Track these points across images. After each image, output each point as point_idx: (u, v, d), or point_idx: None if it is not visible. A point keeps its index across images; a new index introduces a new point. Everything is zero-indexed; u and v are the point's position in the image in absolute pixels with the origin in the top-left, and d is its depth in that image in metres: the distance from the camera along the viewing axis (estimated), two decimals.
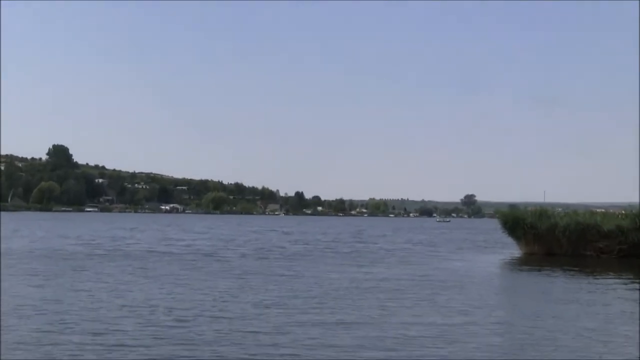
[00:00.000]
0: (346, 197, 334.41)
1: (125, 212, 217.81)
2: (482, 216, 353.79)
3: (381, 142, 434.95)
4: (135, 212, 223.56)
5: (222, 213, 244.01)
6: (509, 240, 41.59)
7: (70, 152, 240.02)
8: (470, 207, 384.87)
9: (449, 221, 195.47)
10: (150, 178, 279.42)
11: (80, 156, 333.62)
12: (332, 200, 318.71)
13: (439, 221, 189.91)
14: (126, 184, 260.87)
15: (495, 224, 45.90)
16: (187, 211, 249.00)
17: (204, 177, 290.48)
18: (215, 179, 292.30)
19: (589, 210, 41.01)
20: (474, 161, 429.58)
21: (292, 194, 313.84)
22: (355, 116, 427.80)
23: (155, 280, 21.65)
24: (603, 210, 42.73)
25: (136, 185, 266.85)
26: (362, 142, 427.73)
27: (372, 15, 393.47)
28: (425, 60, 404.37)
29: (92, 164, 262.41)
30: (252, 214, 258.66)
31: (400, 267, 28.57)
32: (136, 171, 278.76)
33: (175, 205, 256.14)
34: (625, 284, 23.02)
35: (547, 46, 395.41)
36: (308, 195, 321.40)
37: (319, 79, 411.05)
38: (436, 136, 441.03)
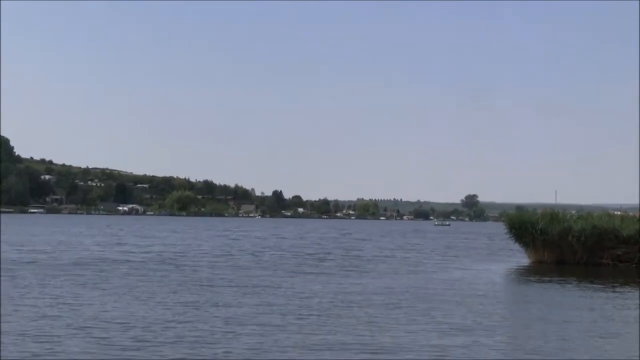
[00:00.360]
0: (331, 198, 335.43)
1: (76, 213, 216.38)
2: (486, 219, 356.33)
3: (371, 137, 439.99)
4: (88, 213, 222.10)
5: (189, 215, 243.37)
6: (516, 246, 41.80)
7: (12, 144, 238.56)
8: (471, 209, 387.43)
9: (448, 225, 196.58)
10: (106, 174, 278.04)
11: (23, 149, 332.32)
12: (315, 201, 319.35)
13: (436, 225, 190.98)
14: (77, 181, 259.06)
15: (500, 228, 46.06)
16: (148, 213, 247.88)
17: (168, 174, 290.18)
18: (182, 176, 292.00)
19: (606, 213, 41.25)
20: (475, 158, 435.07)
21: (269, 193, 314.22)
22: (341, 109, 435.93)
23: (109, 292, 21.48)
24: (621, 212, 43.06)
25: (89, 182, 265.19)
26: (349, 136, 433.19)
27: (365, 14, 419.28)
28: (422, 59, 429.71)
29: (37, 158, 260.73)
30: (224, 215, 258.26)
31: (391, 277, 28.59)
32: (89, 166, 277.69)
33: (135, 205, 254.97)
34: None
35: (548, 51, 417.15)
36: (287, 195, 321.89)
37: (301, 70, 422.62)
38: (433, 131, 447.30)
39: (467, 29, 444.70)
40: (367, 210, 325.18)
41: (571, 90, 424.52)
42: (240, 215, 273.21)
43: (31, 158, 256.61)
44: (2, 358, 11.84)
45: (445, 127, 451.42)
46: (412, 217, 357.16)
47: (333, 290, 23.25)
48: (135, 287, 23.21)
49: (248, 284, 24.74)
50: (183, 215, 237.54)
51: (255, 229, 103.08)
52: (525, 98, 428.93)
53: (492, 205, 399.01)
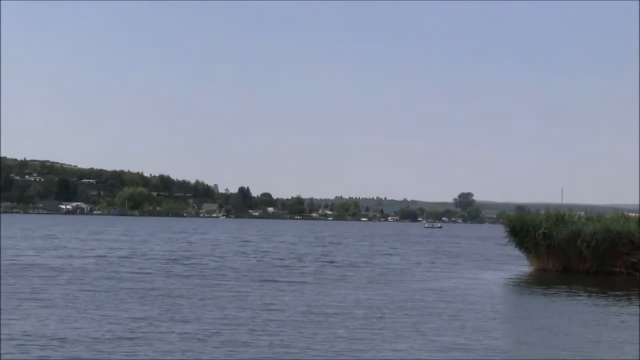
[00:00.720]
0: (305, 196, 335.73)
1: (11, 212, 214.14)
2: (482, 221, 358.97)
3: (352, 129, 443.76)
4: (26, 212, 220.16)
5: (142, 215, 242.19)
6: (517, 252, 42.00)
7: None
8: (466, 210, 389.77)
9: (439, 227, 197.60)
10: (46, 168, 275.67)
11: None
12: (287, 200, 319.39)
13: (427, 227, 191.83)
14: (13, 175, 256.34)
15: (498, 231, 46.25)
16: (95, 212, 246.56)
17: (118, 168, 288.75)
18: (134, 170, 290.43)
19: (620, 214, 41.39)
20: (470, 153, 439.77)
21: (234, 190, 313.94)
22: (319, 100, 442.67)
23: (47, 304, 21.22)
24: (636, 214, 43.28)
25: (27, 177, 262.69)
26: (326, 127, 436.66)
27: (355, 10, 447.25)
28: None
29: None
30: (182, 215, 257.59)
31: (373, 287, 28.59)
32: (27, 159, 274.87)
33: (80, 204, 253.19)
34: None
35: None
36: (256, 192, 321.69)
37: (276, 60, 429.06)
38: (423, 124, 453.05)
39: (462, 27, 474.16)
40: (347, 210, 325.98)
41: (575, 87, 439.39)
42: (202, 215, 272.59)
43: None
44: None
45: (437, 121, 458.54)
46: (398, 218, 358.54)
47: (307, 302, 23.16)
48: (77, 297, 22.97)
49: (208, 295, 24.60)
50: (135, 215, 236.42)
51: (218, 231, 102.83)
52: (526, 96, 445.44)
53: (490, 205, 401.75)
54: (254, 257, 46.08)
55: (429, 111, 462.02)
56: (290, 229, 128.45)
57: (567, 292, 28.73)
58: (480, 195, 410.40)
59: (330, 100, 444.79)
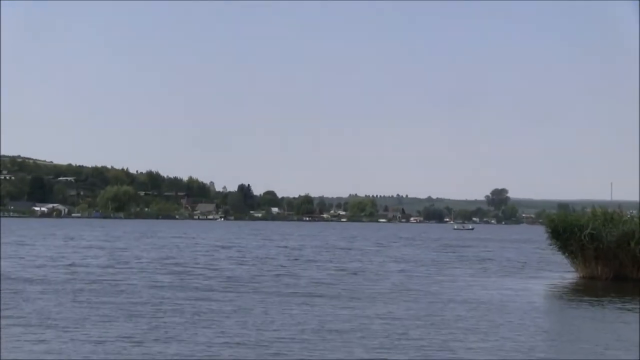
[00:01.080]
0: (315, 194, 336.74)
1: None
2: (519, 221, 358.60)
3: (366, 118, 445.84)
4: None
5: (128, 217, 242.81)
6: (560, 257, 41.82)
7: None
8: (500, 208, 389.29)
9: (471, 229, 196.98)
10: (18, 165, 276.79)
11: None
12: (294, 198, 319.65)
13: (456, 229, 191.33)
14: None
15: (538, 233, 46.08)
16: (74, 214, 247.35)
17: (100, 164, 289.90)
18: (118, 166, 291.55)
19: None
20: (503, 143, 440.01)
21: (233, 188, 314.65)
22: (326, 86, 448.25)
23: (17, 322, 21.19)
24: None
25: None
26: (338, 117, 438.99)
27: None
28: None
29: None
30: (174, 217, 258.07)
31: (395, 300, 28.51)
32: None
33: (57, 205, 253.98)
34: None
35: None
36: (258, 191, 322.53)
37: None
38: (448, 111, 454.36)
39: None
40: (363, 210, 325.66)
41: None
42: (197, 216, 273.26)
43: None
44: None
45: (464, 109, 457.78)
46: (421, 218, 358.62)
47: (317, 317, 23.12)
48: (52, 313, 22.98)
49: (203, 309, 24.58)
50: (120, 218, 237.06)
51: (214, 235, 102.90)
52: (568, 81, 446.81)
53: (527, 203, 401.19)
54: (256, 265, 45.98)
55: (454, 97, 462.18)
56: (297, 232, 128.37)
57: (619, 303, 28.52)
58: (516, 192, 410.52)
59: (342, 88, 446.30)
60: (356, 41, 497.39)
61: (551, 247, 40.87)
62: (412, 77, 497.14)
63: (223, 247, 68.94)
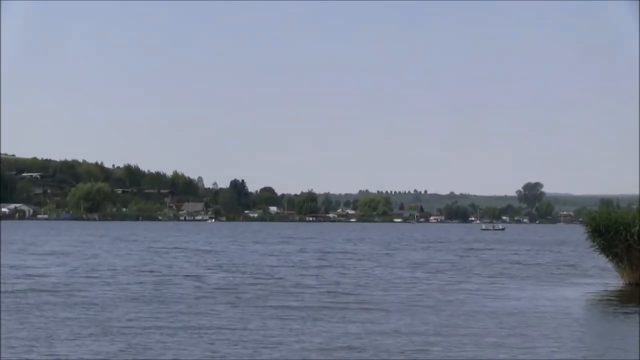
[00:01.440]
0: (320, 190, 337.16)
1: None
2: (555, 220, 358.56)
3: (378, 104, 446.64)
4: None
5: (103, 218, 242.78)
6: (603, 260, 41.74)
7: None
8: (533, 205, 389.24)
9: (502, 229, 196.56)
10: None
11: None
12: (296, 196, 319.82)
13: (484, 229, 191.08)
14: None
15: (577, 233, 45.89)
16: (41, 216, 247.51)
17: (70, 157, 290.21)
18: (91, 160, 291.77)
19: None
20: (536, 131, 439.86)
21: (225, 184, 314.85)
22: (331, 71, 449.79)
23: None
24: None
25: None
26: (346, 105, 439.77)
27: None
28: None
29: None
30: (157, 219, 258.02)
31: (411, 312, 28.48)
32: None
33: (20, 205, 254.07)
34: None
35: None
36: (254, 187, 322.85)
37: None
38: (471, 98, 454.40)
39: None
40: (375, 208, 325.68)
41: None
42: (183, 217, 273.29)
43: None
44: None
45: (490, 92, 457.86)
46: (442, 217, 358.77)
47: (322, 332, 23.15)
48: (14, 330, 22.93)
49: (189, 324, 24.61)
50: (94, 220, 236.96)
51: (201, 238, 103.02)
52: None
53: (565, 199, 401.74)
54: (248, 273, 45.95)
55: (478, 79, 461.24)
56: (298, 234, 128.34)
57: None
58: (552, 186, 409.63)
59: (348, 73, 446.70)
60: (363, 35, 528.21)
61: (592, 249, 40.73)
62: (434, 64, 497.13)
63: (209, 253, 68.88)
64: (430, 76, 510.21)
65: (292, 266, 52.74)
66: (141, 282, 39.22)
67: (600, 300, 34.59)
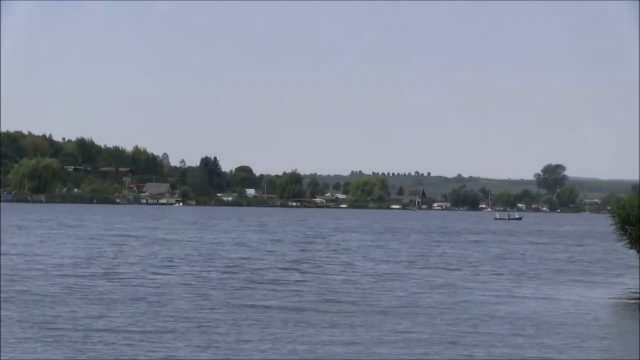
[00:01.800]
0: (305, 171, 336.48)
1: None
2: (580, 208, 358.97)
3: (373, 74, 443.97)
4: None
5: (51, 200, 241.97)
6: (632, 256, 41.87)
7: None
8: (554, 191, 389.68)
9: (518, 218, 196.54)
10: None
11: None
12: (277, 177, 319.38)
13: (498, 218, 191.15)
14: None
15: (605, 224, 45.91)
16: None
17: (12, 128, 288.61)
18: (38, 132, 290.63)
19: None
20: (558, 106, 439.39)
21: (195, 162, 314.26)
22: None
23: None
24: None
25: None
26: (337, 72, 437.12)
27: None
28: None
29: None
30: (114, 201, 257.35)
31: (412, 315, 28.49)
32: None
33: None
34: None
35: None
36: (228, 167, 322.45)
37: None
38: (481, 66, 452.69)
39: None
40: (369, 192, 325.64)
41: None
42: (145, 200, 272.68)
43: None
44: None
45: (504, 63, 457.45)
46: (448, 203, 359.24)
47: (310, 340, 23.16)
48: None
49: (150, 327, 24.58)
50: (41, 202, 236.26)
51: (164, 224, 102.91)
52: None
53: (591, 184, 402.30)
54: (220, 267, 45.94)
55: (489, 47, 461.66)
56: (274, 221, 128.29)
57: None
58: (575, 170, 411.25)
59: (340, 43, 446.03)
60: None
61: (621, 243, 40.80)
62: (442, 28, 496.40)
63: (167, 243, 68.49)
64: (438, 39, 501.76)
65: (261, 259, 52.56)
66: (83, 276, 39.18)
67: (630, 301, 34.61)
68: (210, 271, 43.31)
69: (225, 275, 41.09)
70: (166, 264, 47.66)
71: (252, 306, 29.80)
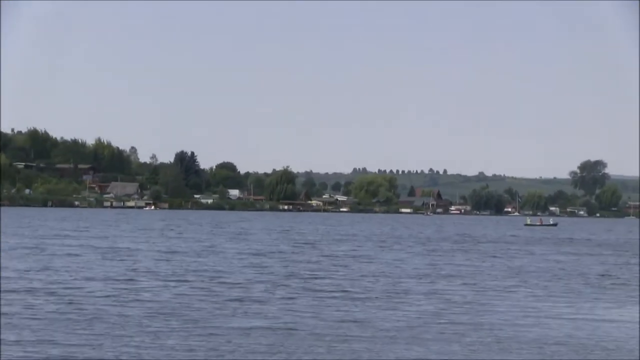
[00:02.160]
0: (300, 169, 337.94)
1: None
2: (622, 213, 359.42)
3: (380, 57, 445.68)
4: None
5: None
6: None
7: None
8: (593, 192, 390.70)
9: (553, 224, 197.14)
10: None
11: None
12: (266, 175, 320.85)
13: (529, 224, 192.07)
14: None
15: None
16: None
17: None
18: None
19: None
20: (597, 96, 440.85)
21: (169, 159, 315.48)
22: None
23: None
24: None
25: None
26: (338, 54, 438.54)
27: None
28: None
29: None
30: (73, 204, 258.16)
31: (422, 337, 28.29)
32: None
33: None
34: None
35: None
36: (208, 164, 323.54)
37: None
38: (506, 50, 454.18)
39: None
40: (375, 193, 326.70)
41: None
42: (109, 203, 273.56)
43: None
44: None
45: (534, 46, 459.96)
46: (467, 207, 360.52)
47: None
48: None
49: (110, 347, 24.29)
50: None
51: (128, 230, 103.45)
52: None
53: (635, 184, 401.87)
54: (192, 283, 45.87)
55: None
56: (254, 227, 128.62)
57: None
58: (618, 167, 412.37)
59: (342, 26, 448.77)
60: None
61: None
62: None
63: (147, 253, 68.55)
64: (452, 26, 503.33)
65: (219, 276, 52.36)
66: (36, 292, 39.05)
67: None
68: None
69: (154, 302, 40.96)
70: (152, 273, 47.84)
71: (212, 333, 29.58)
